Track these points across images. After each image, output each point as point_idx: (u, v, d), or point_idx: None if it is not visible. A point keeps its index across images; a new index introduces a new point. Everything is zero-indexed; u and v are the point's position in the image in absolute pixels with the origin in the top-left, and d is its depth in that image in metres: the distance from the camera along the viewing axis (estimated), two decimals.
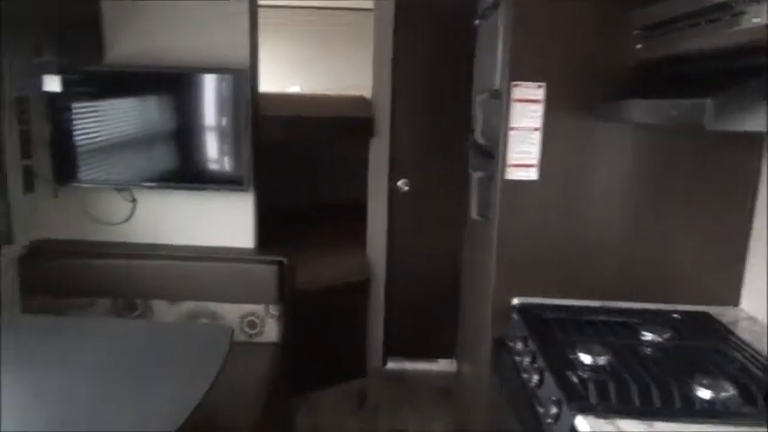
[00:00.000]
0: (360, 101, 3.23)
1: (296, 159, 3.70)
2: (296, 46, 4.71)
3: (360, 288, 3.20)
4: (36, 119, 2.41)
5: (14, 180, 2.34)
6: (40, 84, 2.26)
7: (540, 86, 1.72)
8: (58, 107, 2.39)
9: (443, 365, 3.31)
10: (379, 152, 3.14)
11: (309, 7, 4.56)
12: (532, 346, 1.48)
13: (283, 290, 2.47)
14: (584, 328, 1.57)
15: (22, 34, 1.94)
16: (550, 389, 1.29)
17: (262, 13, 2.63)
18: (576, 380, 1.28)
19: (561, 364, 1.35)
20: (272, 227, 2.74)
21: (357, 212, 3.35)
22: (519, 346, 1.55)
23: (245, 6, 2.42)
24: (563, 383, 1.27)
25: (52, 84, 2.22)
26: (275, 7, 4.32)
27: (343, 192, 3.70)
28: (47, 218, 2.51)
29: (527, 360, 1.46)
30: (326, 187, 3.89)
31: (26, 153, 2.40)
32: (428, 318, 3.31)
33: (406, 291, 3.29)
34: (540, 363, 1.40)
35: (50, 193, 2.48)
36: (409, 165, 3.19)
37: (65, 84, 2.29)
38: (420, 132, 3.18)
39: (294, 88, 4.59)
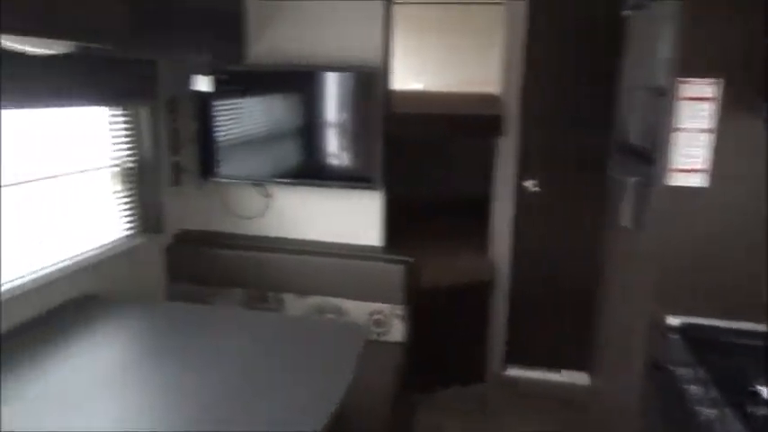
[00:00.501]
0: (489, 98, 3.12)
1: (419, 155, 3.66)
2: (418, 42, 4.66)
3: (482, 289, 3.10)
4: (183, 117, 2.55)
5: (165, 175, 2.50)
6: (189, 84, 2.39)
7: (712, 83, 1.54)
8: (202, 106, 2.52)
9: (569, 377, 3.14)
10: (507, 150, 3.03)
11: (435, 2, 4.50)
12: (703, 374, 1.33)
13: (409, 290, 2.45)
14: (759, 355, 1.39)
15: (175, 39, 2.04)
16: (732, 425, 1.14)
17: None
18: (761, 417, 1.12)
19: (741, 398, 1.20)
20: (395, 222, 2.72)
21: (480, 211, 3.25)
22: (684, 372, 1.40)
23: (379, 5, 2.41)
24: (748, 421, 1.12)
25: (203, 84, 2.34)
26: (399, 3, 4.30)
27: (466, 189, 3.62)
28: (191, 210, 2.67)
29: (697, 390, 1.31)
30: (449, 184, 3.82)
31: (175, 150, 2.56)
32: (554, 325, 3.15)
33: (531, 295, 3.15)
34: (715, 394, 1.25)
35: (195, 186, 2.62)
36: (539, 164, 3.04)
37: (211, 84, 2.41)
38: (552, 131, 3.02)
39: (417, 85, 4.55)
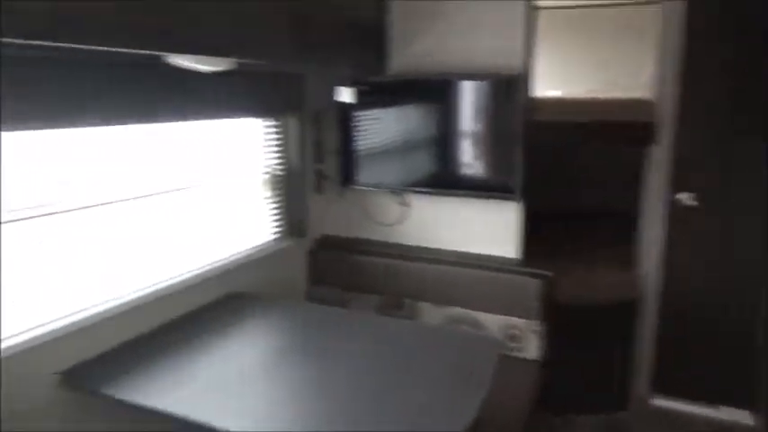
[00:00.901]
0: (639, 103, 2.92)
1: (562, 164, 3.51)
2: (561, 47, 4.50)
3: (627, 309, 2.88)
4: (327, 127, 2.68)
5: (309, 182, 2.64)
6: (333, 96, 2.51)
7: None
8: (345, 116, 2.63)
9: (729, 414, 2.81)
10: (659, 160, 2.79)
11: (579, 6, 4.31)
12: None
13: (547, 305, 2.34)
14: None
15: (326, 53, 2.15)
16: None
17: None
18: None
19: None
20: (535, 234, 2.62)
21: (626, 224, 3.04)
22: None
23: (521, 10, 2.35)
24: None
25: (346, 95, 2.44)
26: (542, 8, 4.18)
27: (611, 200, 3.41)
28: (332, 216, 2.78)
29: None
30: (593, 195, 3.62)
31: (319, 158, 2.69)
32: (710, 354, 2.84)
33: (683, 319, 2.87)
34: None
35: (336, 193, 2.74)
36: (696, 176, 2.77)
37: (353, 95, 2.51)
38: (712, 141, 2.74)
39: (558, 92, 4.39)
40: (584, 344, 2.83)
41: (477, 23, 2.41)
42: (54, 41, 1.17)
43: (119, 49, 1.34)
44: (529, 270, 2.37)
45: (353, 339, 1.85)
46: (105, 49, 1.31)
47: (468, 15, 2.41)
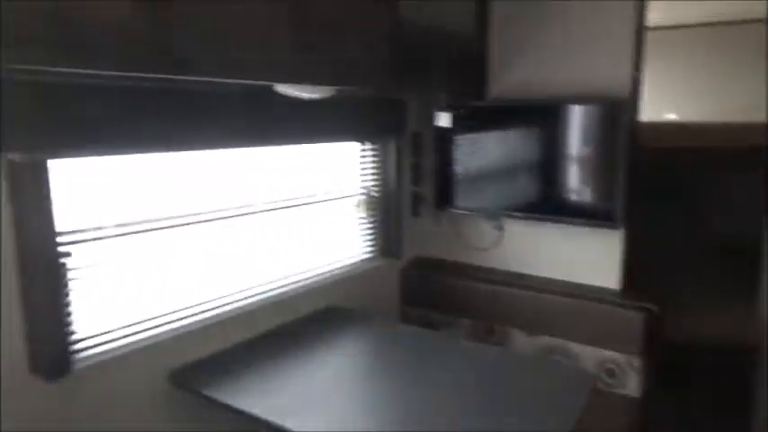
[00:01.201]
0: (760, 127, 2.70)
1: (671, 192, 3.32)
2: (670, 69, 4.27)
3: (745, 353, 2.64)
4: (425, 150, 2.73)
5: (405, 204, 2.70)
6: (432, 120, 2.57)
7: None
8: (443, 140, 2.67)
9: None
10: None
11: (687, 25, 4.08)
12: None
13: (649, 340, 2.21)
14: None
15: (425, 80, 2.22)
16: None
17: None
18: None
19: None
20: (640, 265, 2.49)
21: (746, 257, 2.79)
22: None
23: (629, 32, 2.27)
24: None
25: (444, 120, 2.49)
26: (652, 29, 4.02)
27: (727, 231, 3.15)
28: (426, 238, 2.82)
29: None
30: (706, 225, 3.37)
31: (416, 181, 2.75)
32: None
33: None
34: None
35: (431, 216, 2.77)
36: None
37: (452, 120, 2.55)
38: None
39: (670, 116, 4.16)
40: (694, 387, 2.63)
41: (582, 45, 2.36)
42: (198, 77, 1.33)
43: (235, 81, 1.49)
44: (630, 302, 2.26)
45: (441, 362, 1.86)
46: (222, 80, 1.47)
47: (573, 36, 2.37)
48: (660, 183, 2.89)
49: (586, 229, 2.41)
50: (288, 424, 1.45)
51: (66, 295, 1.47)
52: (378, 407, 1.62)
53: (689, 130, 3.10)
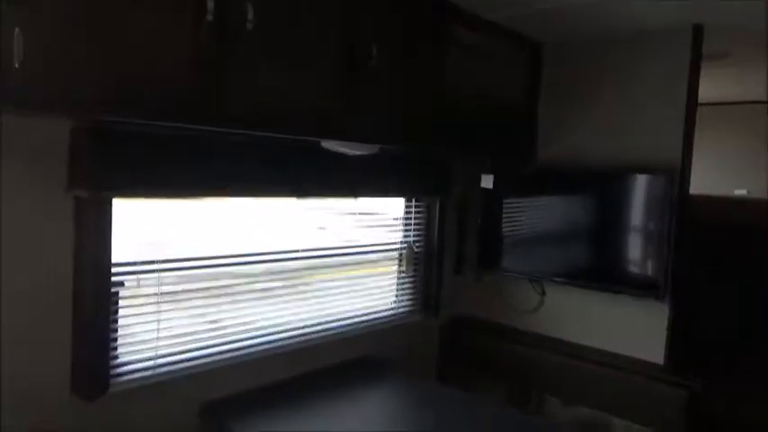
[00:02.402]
0: None
1: (737, 270, 3.16)
2: (740, 145, 4.16)
3: None
4: (471, 210, 2.78)
5: (448, 262, 2.73)
6: (479, 181, 2.63)
7: None
8: (489, 201, 2.71)
9: None
10: None
11: (752, 102, 3.99)
12: None
13: (691, 419, 2.09)
14: None
15: (470, 140, 2.29)
16: None
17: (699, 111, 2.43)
18: None
19: None
20: (688, 340, 2.38)
21: None
22: None
23: (680, 110, 2.27)
24: None
25: (489, 182, 2.54)
26: (715, 104, 3.95)
27: None
28: (467, 297, 2.83)
29: None
30: (759, 306, 3.18)
31: (460, 240, 2.79)
32: None
33: None
34: None
35: (473, 276, 2.79)
36: None
37: (499, 181, 2.60)
38: None
39: (740, 191, 4.02)
40: None
41: (634, 114, 2.38)
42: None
43: (283, 136, 1.63)
44: (670, 378, 2.16)
45: (471, 426, 1.86)
46: (271, 135, 1.60)
47: (625, 106, 2.40)
48: (714, 259, 2.78)
49: (631, 300, 2.35)
50: None
51: (115, 322, 1.61)
52: None
53: (746, 206, 2.99)
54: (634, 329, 2.36)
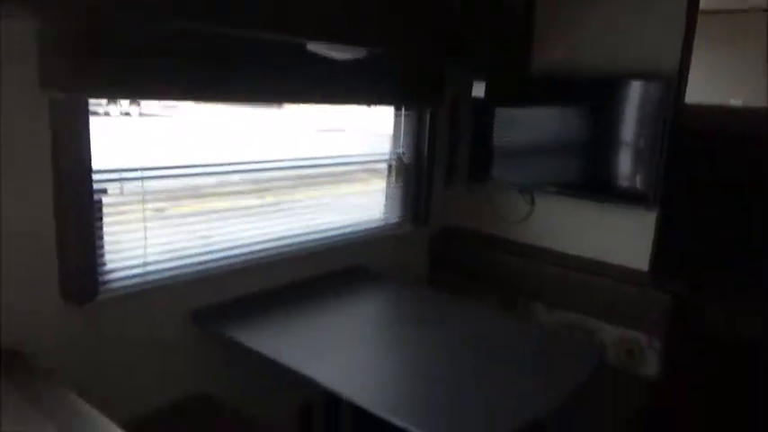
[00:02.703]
0: None
1: (716, 177, 3.17)
2: (736, 53, 4.06)
3: None
4: (462, 120, 2.72)
5: (438, 173, 2.71)
6: (470, 90, 2.56)
7: None
8: (481, 111, 2.65)
9: None
10: None
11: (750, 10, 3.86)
12: None
13: (673, 323, 2.16)
14: None
15: (466, 49, 2.20)
16: None
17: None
18: None
19: None
20: (675, 249, 2.41)
21: None
22: None
23: (681, 11, 2.18)
24: None
25: (478, 90, 2.48)
26: (714, 12, 3.81)
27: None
28: (457, 207, 2.84)
29: None
30: (749, 217, 3.21)
31: (451, 151, 2.75)
32: None
33: None
34: None
35: (464, 186, 2.78)
36: None
37: (491, 90, 2.53)
38: None
39: (735, 101, 3.97)
40: (713, 375, 2.55)
41: (630, 22, 2.28)
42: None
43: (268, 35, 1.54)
44: (655, 283, 2.21)
45: (457, 324, 1.91)
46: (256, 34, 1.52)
47: (621, 12, 2.30)
48: (707, 168, 2.77)
49: (620, 209, 2.36)
50: (301, 367, 1.52)
51: (100, 229, 1.59)
52: (384, 359, 1.67)
53: (743, 115, 2.95)
54: (622, 239, 2.39)
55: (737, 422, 2.60)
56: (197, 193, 1.88)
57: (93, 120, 1.50)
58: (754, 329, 2.49)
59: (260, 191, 2.05)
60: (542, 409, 1.37)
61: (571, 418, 1.94)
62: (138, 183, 1.68)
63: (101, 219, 1.59)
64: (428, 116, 2.58)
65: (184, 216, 1.84)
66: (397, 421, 1.29)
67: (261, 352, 1.60)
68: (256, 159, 2.01)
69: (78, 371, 1.54)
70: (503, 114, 2.63)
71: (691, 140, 2.40)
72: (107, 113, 1.62)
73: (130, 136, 1.69)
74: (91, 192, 1.52)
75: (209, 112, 1.87)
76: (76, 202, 1.48)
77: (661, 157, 2.20)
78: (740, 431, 2.55)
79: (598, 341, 2.26)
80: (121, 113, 1.66)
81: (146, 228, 1.71)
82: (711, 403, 2.55)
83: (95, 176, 1.53)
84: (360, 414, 2.41)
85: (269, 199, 2.08)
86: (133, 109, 1.70)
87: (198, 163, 1.84)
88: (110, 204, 1.61)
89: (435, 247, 2.77)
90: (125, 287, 1.66)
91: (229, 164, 1.93)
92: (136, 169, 1.66)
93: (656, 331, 2.17)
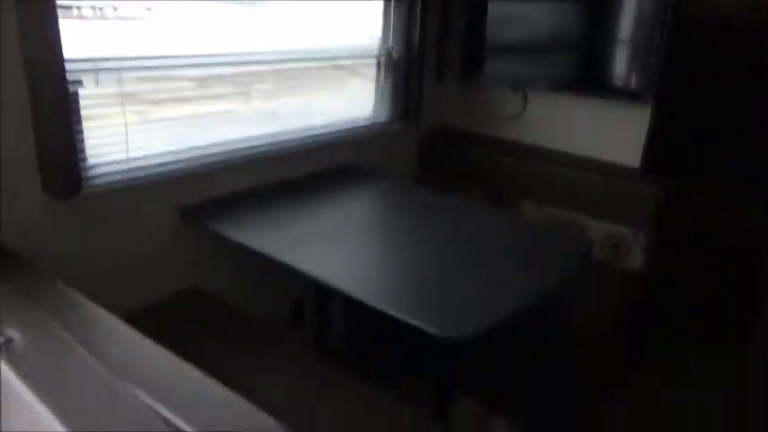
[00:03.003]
0: None
1: (715, 70, 3.08)
2: None
3: (759, 244, 2.60)
4: (454, 13, 2.59)
5: (429, 70, 2.61)
6: None
7: None
8: (473, 3, 2.52)
9: None
10: None
11: None
12: None
13: (661, 217, 2.19)
14: None
15: None
16: None
17: None
18: None
19: None
20: (669, 145, 2.39)
21: None
22: None
23: None
24: None
25: None
26: None
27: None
28: (448, 105, 2.77)
29: None
30: (747, 111, 3.17)
31: (441, 46, 2.64)
32: None
33: None
34: None
35: (455, 83, 2.70)
36: None
37: None
38: None
39: None
40: (703, 271, 2.62)
41: None
42: None
43: None
44: (644, 178, 2.21)
45: (446, 219, 1.91)
46: None
47: None
48: (706, 60, 2.69)
49: (615, 105, 2.32)
50: (290, 260, 1.52)
51: (79, 123, 1.52)
52: (378, 250, 1.68)
53: (747, 4, 2.82)
54: (615, 136, 2.37)
55: (720, 315, 2.71)
56: (178, 97, 1.80)
57: (67, 21, 1.41)
58: (742, 225, 2.54)
59: (244, 93, 1.97)
60: (532, 298, 1.40)
61: (560, 310, 2.01)
62: (115, 76, 1.60)
63: (78, 112, 1.52)
64: (418, 8, 2.44)
65: (167, 119, 1.78)
66: (390, 311, 1.30)
67: (250, 246, 1.60)
68: (238, 52, 1.91)
69: (67, 268, 1.54)
70: (496, 7, 2.51)
71: (691, 30, 2.31)
72: (81, 15, 1.51)
73: (106, 33, 1.59)
74: (65, 82, 1.44)
75: (189, 13, 1.74)
76: (51, 94, 1.41)
77: (660, 47, 2.13)
78: (723, 324, 2.66)
79: (586, 237, 2.30)
80: (96, 14, 1.55)
81: (127, 125, 1.65)
82: (695, 297, 2.65)
83: (69, 66, 1.44)
84: (351, 307, 2.49)
85: (255, 104, 2.01)
86: (109, 12, 1.59)
87: (177, 55, 1.75)
88: (88, 97, 1.54)
89: (425, 147, 2.73)
90: (109, 183, 1.62)
91: (210, 55, 1.84)
92: (111, 59, 1.58)
93: (643, 226, 2.20)
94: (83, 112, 1.54)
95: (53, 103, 1.42)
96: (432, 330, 1.24)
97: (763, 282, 2.54)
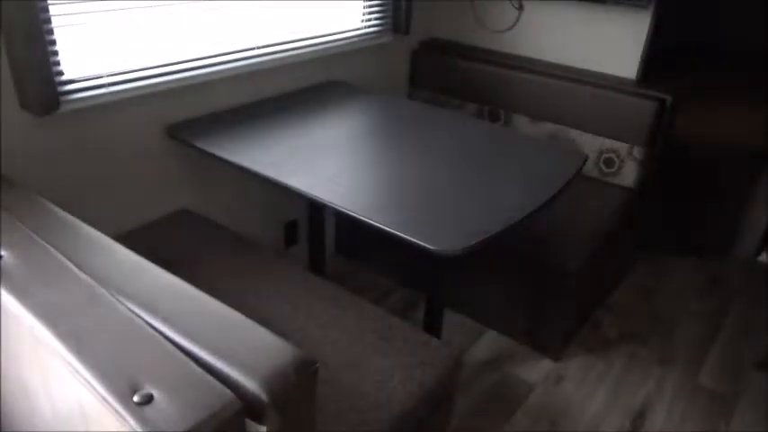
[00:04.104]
0: None
1: None
2: None
3: (755, 158, 2.60)
4: None
5: None
6: None
7: None
8: None
9: None
10: None
11: None
12: None
13: (656, 132, 2.16)
14: None
15: None
16: None
17: None
18: None
19: None
20: (667, 56, 2.32)
21: None
22: None
23: None
24: None
25: None
26: None
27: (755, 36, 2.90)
28: (440, 17, 2.65)
29: None
30: (749, 26, 3.09)
31: None
32: None
33: None
34: None
35: None
36: None
37: None
38: None
39: None
40: (696, 186, 2.64)
41: None
42: None
43: None
44: (641, 91, 2.16)
45: (440, 132, 1.87)
46: None
47: None
48: None
49: (614, 12, 2.22)
50: (281, 177, 1.49)
51: (50, 33, 1.44)
52: (370, 164, 1.64)
53: None
54: (613, 47, 2.28)
55: (712, 227, 2.75)
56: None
57: None
58: (736, 138, 2.53)
59: None
60: (530, 208, 1.39)
61: (558, 224, 2.02)
62: None
63: (49, 20, 1.43)
64: None
65: (150, 22, 1.68)
66: (386, 227, 1.29)
67: (241, 164, 1.56)
68: None
69: (53, 190, 1.51)
70: None
71: None
72: None
73: None
74: None
75: None
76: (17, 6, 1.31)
77: None
78: (714, 236, 2.71)
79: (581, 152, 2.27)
80: None
81: (108, 37, 1.56)
82: (687, 210, 2.68)
83: None
84: (342, 224, 2.48)
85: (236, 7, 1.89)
86: None
87: None
88: (57, 14, 1.44)
89: (416, 61, 2.64)
90: (89, 98, 1.55)
91: None
92: None
93: (638, 140, 2.17)
94: (54, 20, 1.45)
95: (21, 15, 1.32)
96: (428, 245, 1.23)
97: (750, 192, 2.56)
